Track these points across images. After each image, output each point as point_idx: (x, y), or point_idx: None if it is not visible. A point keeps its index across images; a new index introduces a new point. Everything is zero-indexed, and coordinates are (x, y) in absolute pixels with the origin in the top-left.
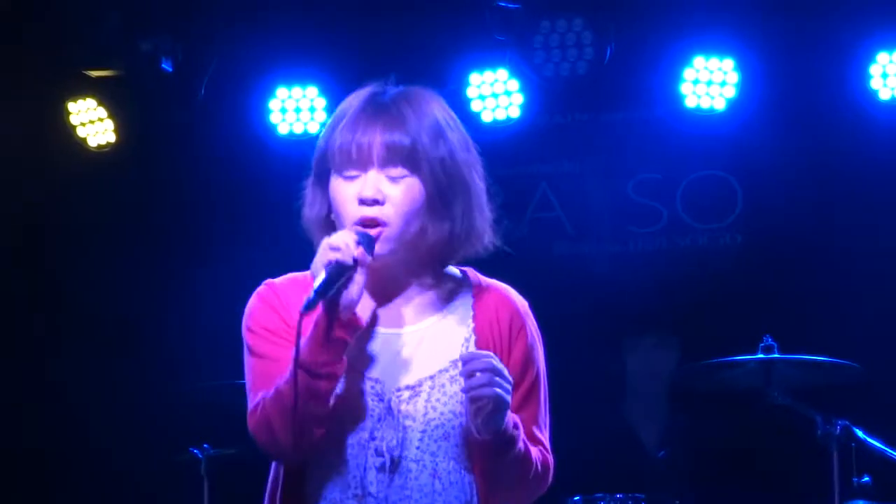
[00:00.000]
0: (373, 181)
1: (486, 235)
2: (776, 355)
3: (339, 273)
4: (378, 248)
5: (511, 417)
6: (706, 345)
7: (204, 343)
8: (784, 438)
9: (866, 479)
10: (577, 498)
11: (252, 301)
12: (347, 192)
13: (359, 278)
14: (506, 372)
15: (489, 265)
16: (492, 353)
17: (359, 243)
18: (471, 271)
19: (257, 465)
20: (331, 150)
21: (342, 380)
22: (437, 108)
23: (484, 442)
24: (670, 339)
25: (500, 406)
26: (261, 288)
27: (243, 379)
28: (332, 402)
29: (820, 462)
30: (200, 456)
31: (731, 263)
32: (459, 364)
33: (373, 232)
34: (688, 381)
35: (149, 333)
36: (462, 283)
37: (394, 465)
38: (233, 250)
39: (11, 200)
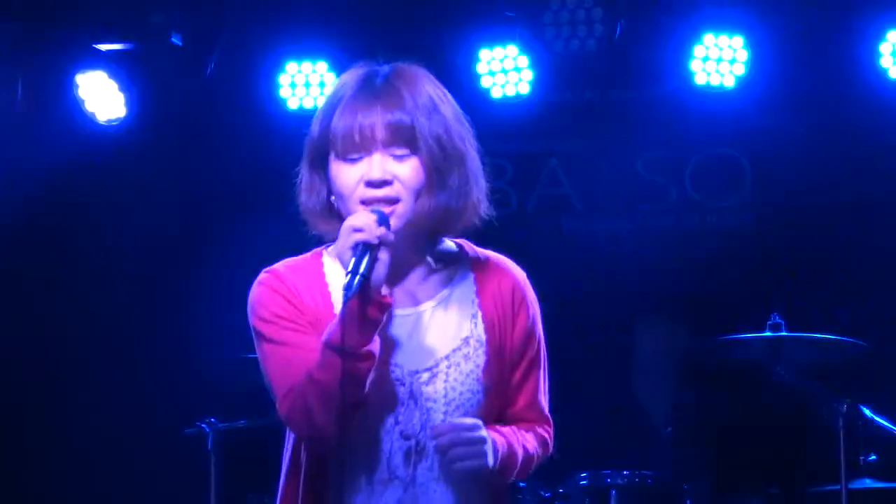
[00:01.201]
0: (379, 162)
1: (482, 205)
2: (784, 333)
3: (366, 253)
4: (394, 225)
5: (500, 449)
6: (714, 322)
7: (212, 318)
8: (791, 416)
9: (873, 457)
10: (584, 474)
11: (257, 290)
12: (352, 174)
13: (383, 257)
14: (478, 431)
15: (497, 241)
16: (462, 424)
17: (379, 223)
18: (466, 244)
19: (264, 440)
20: (332, 134)
21: None
22: (429, 84)
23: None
24: (679, 317)
25: (480, 467)
26: (263, 276)
27: (251, 353)
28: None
29: (826, 440)
30: (208, 430)
31: (740, 241)
32: (472, 343)
33: (386, 210)
34: (696, 359)
35: (157, 308)
36: (460, 257)
37: (419, 448)
38: (242, 225)
39: (21, 174)
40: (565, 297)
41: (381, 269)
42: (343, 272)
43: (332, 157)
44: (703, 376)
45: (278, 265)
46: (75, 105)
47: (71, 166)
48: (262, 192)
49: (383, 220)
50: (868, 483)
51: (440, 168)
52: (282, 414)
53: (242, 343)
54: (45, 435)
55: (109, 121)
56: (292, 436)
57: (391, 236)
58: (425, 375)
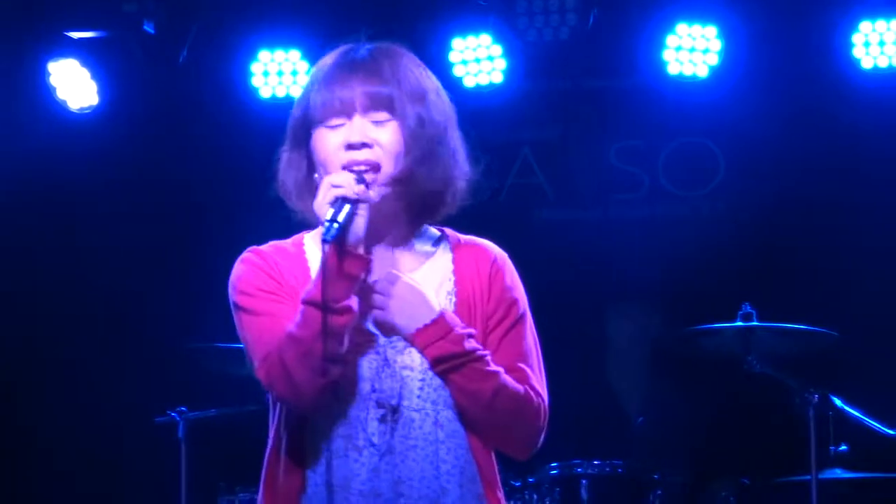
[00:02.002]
0: (359, 126)
1: (461, 184)
2: (755, 323)
3: (343, 206)
4: (375, 191)
5: (454, 325)
6: (686, 312)
7: (184, 306)
8: (762, 406)
9: (843, 447)
10: (554, 464)
11: (239, 267)
12: (333, 140)
13: (362, 213)
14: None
15: (470, 230)
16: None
17: (358, 181)
18: (448, 230)
19: (234, 428)
20: (313, 105)
21: None
22: (410, 62)
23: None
24: (652, 306)
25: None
26: (245, 254)
27: (222, 342)
28: (348, 339)
29: (797, 430)
30: (178, 419)
31: (712, 230)
32: (448, 313)
33: (370, 176)
34: (667, 348)
35: (128, 296)
36: (441, 239)
37: (395, 416)
38: (214, 214)
39: None
40: (538, 286)
41: (360, 225)
42: (315, 247)
43: (314, 129)
44: (675, 366)
45: (261, 246)
46: (47, 93)
47: (43, 154)
48: (236, 180)
49: (362, 181)
50: (839, 473)
51: (419, 137)
52: (261, 378)
53: (215, 331)
54: (15, 424)
55: (82, 109)
56: (275, 413)
57: (370, 194)
58: (400, 345)
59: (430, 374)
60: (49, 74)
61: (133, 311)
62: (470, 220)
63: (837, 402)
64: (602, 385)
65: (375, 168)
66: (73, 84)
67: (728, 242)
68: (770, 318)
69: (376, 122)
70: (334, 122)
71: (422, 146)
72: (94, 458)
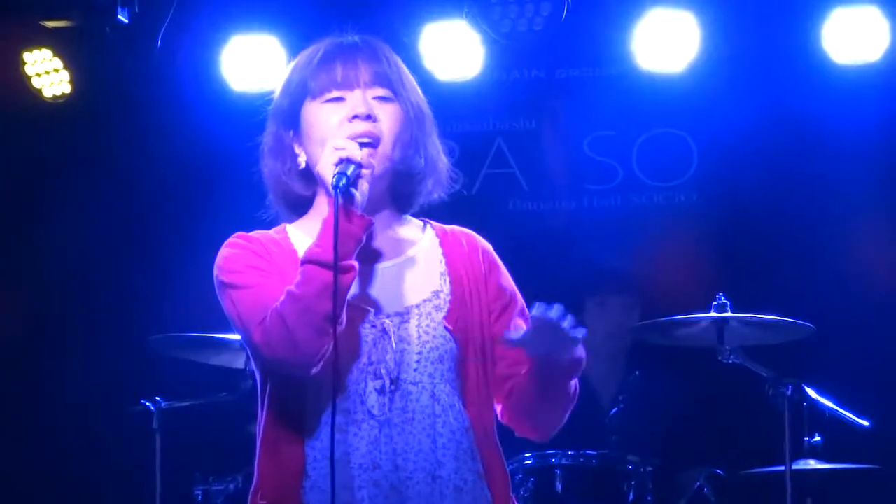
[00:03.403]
0: (362, 98)
1: (445, 179)
2: (729, 314)
3: (349, 165)
4: (374, 165)
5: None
6: (660, 302)
7: (158, 295)
8: (736, 397)
9: (817, 438)
10: (529, 454)
11: (225, 250)
12: (333, 113)
13: (364, 182)
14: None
15: (444, 219)
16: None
17: (361, 147)
18: (430, 221)
19: (209, 418)
20: (308, 82)
21: None
22: (397, 57)
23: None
24: (627, 297)
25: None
26: (231, 239)
27: (196, 332)
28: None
29: (771, 421)
30: (153, 408)
31: (686, 222)
32: (443, 296)
33: (368, 150)
34: (641, 339)
35: (102, 286)
36: (424, 228)
37: (393, 387)
38: (188, 203)
39: None
40: (512, 277)
41: (363, 189)
42: (302, 234)
43: (306, 106)
44: (649, 356)
45: (248, 233)
46: (22, 82)
47: (17, 143)
48: (210, 170)
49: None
50: (812, 464)
51: (412, 123)
52: (258, 342)
53: (189, 321)
54: None
55: (56, 98)
56: (266, 391)
57: (373, 162)
58: (397, 319)
59: (427, 347)
60: (23, 63)
61: (105, 300)
62: (444, 210)
63: (811, 392)
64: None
65: (375, 143)
66: (47, 73)
67: (702, 233)
68: (744, 309)
69: (379, 98)
70: (334, 94)
71: (414, 133)
72: (69, 449)
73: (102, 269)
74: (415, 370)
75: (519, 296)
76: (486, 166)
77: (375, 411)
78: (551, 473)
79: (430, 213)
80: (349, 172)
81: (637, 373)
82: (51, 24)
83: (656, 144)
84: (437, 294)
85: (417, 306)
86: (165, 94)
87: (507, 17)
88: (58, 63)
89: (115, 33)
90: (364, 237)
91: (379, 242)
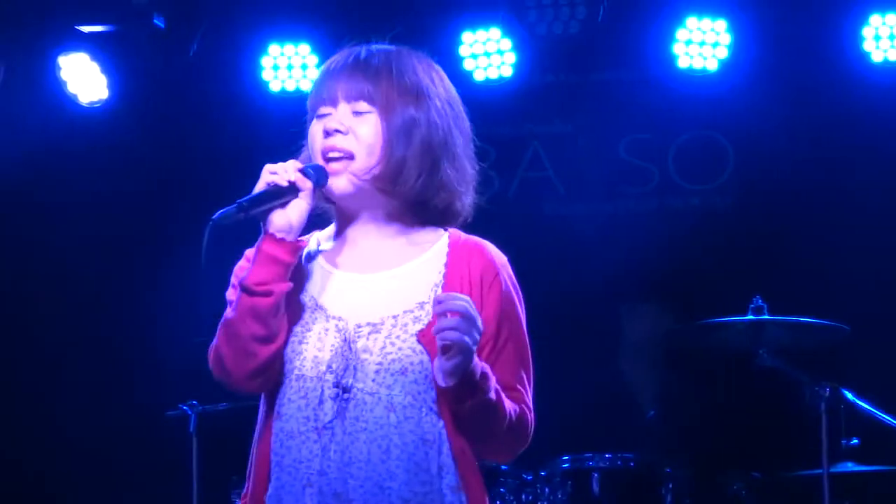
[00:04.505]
0: (339, 114)
1: (466, 196)
2: (766, 317)
3: (274, 195)
4: (343, 182)
5: (480, 366)
6: (696, 305)
7: (195, 299)
8: (773, 400)
9: (854, 441)
10: (566, 457)
11: (237, 264)
12: (317, 128)
13: (300, 204)
14: (478, 320)
15: (479, 224)
16: (467, 298)
17: (303, 171)
18: (453, 230)
19: (246, 422)
20: (309, 100)
21: (306, 317)
22: (419, 65)
23: (449, 389)
24: (663, 301)
25: (463, 352)
26: (248, 251)
27: None
28: (275, 322)
29: (808, 424)
30: (190, 412)
31: (722, 224)
32: (427, 308)
33: (338, 166)
34: (678, 342)
35: (140, 290)
36: (440, 237)
37: (348, 395)
38: (225, 205)
39: (2, 155)
40: (547, 280)
41: (293, 214)
42: (316, 241)
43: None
44: (686, 359)
45: None
46: (58, 87)
47: (53, 148)
48: (245, 174)
49: (316, 173)
50: (850, 467)
51: (407, 136)
52: (209, 363)
53: None
54: (26, 419)
55: (92, 102)
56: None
57: (308, 184)
58: (366, 330)
59: (388, 359)
60: (59, 68)
61: (145, 303)
62: (480, 214)
63: (848, 395)
64: (613, 379)
65: (349, 157)
66: (84, 78)
67: (738, 236)
68: (781, 312)
69: (356, 113)
70: (322, 110)
71: (410, 145)
72: (106, 452)
73: (141, 273)
74: (373, 381)
75: (518, 314)
76: (523, 169)
77: (328, 419)
78: (589, 476)
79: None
80: (260, 208)
81: (674, 376)
82: (87, 29)
83: (692, 147)
84: (420, 305)
85: (394, 317)
86: (201, 100)
87: (543, 21)
88: (94, 68)
89: (152, 38)
90: (294, 260)
91: (375, 252)
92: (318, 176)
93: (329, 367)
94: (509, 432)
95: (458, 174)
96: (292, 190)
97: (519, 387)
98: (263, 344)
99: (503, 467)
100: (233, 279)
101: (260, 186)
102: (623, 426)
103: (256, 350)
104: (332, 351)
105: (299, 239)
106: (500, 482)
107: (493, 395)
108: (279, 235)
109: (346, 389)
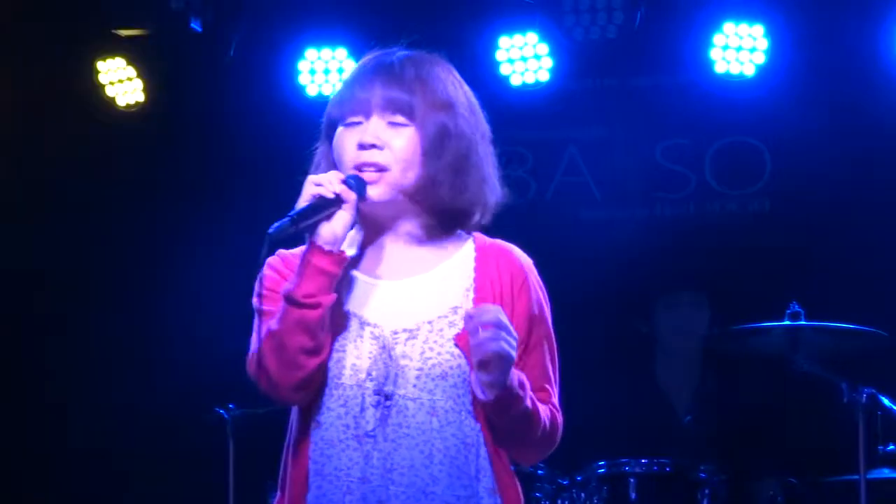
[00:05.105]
0: (373, 127)
1: (491, 201)
2: (803, 322)
3: (320, 207)
4: (378, 192)
5: (517, 375)
6: (733, 311)
7: (229, 302)
8: (810, 405)
9: (892, 447)
10: (602, 462)
11: (263, 270)
12: (349, 139)
13: (345, 216)
14: (511, 327)
15: (515, 228)
16: (498, 307)
17: (346, 182)
18: (476, 233)
19: (282, 426)
20: (335, 105)
21: (341, 325)
22: (442, 72)
23: (488, 401)
24: (700, 305)
25: (504, 362)
26: (271, 258)
27: None
28: (322, 334)
29: (846, 430)
30: (226, 416)
31: (758, 229)
32: (461, 312)
33: (374, 177)
34: (715, 347)
35: (175, 292)
36: (465, 242)
37: (389, 402)
38: (259, 211)
39: (40, 159)
40: (584, 285)
41: (338, 226)
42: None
43: (336, 128)
44: (722, 365)
45: (291, 250)
46: (95, 91)
47: (90, 152)
48: (281, 178)
49: (357, 184)
50: (887, 473)
51: (441, 147)
52: (248, 372)
53: None
54: (65, 423)
55: (129, 106)
56: (292, 413)
57: (353, 196)
58: (403, 336)
59: (429, 364)
60: (97, 72)
61: (179, 306)
62: (516, 218)
63: (886, 401)
64: (648, 383)
65: (384, 169)
66: (121, 81)
67: (775, 240)
68: (818, 317)
69: (392, 125)
70: (351, 119)
71: (443, 156)
72: (144, 455)
73: (177, 277)
74: (413, 386)
75: (546, 317)
76: (559, 174)
77: (370, 426)
78: (625, 481)
79: (503, 220)
80: (300, 213)
81: (710, 381)
82: (124, 33)
83: (729, 152)
84: (454, 310)
85: (430, 322)
86: (237, 104)
87: (580, 26)
88: (131, 72)
89: (189, 42)
90: (339, 271)
91: (405, 259)
92: (359, 187)
93: (368, 374)
94: (543, 439)
95: (484, 179)
96: (337, 201)
97: (548, 387)
98: (310, 356)
99: (539, 472)
100: (260, 289)
101: (305, 198)
102: (659, 431)
103: (304, 362)
104: (370, 358)
105: (342, 250)
106: (535, 487)
107: (529, 403)
108: (327, 248)
109: (388, 396)
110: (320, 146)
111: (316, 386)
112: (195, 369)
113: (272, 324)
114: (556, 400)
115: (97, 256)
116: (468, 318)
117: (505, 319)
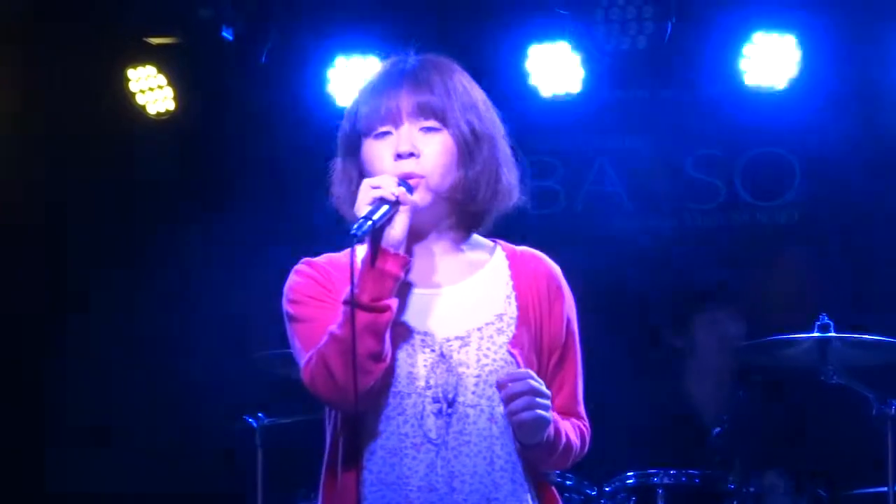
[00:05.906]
0: (407, 135)
1: (514, 194)
2: (832, 334)
3: (381, 207)
4: (421, 197)
5: (553, 425)
6: (762, 322)
7: (259, 312)
8: (839, 417)
9: None
10: (630, 473)
11: (291, 277)
12: (381, 150)
13: (403, 218)
14: (544, 388)
15: (547, 237)
16: (528, 371)
17: (399, 184)
18: (500, 241)
19: (311, 435)
20: (360, 118)
21: (391, 333)
22: (459, 74)
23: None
24: (730, 316)
25: (541, 425)
26: (298, 265)
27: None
28: (387, 338)
29: (874, 442)
30: (255, 425)
31: (789, 241)
32: (506, 319)
33: (415, 182)
34: (744, 358)
35: (205, 301)
36: (494, 249)
37: (451, 410)
38: (289, 220)
39: (71, 167)
40: (614, 294)
41: (398, 228)
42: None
43: (363, 140)
44: (751, 376)
45: (315, 258)
46: (126, 98)
47: (121, 159)
48: (313, 186)
49: (406, 186)
50: None
51: (470, 147)
52: (305, 381)
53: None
54: (92, 430)
55: (159, 114)
56: (331, 417)
57: (410, 198)
58: (456, 343)
59: (486, 370)
60: (127, 80)
61: (208, 315)
62: (547, 227)
63: None
64: (677, 395)
65: (422, 178)
66: (151, 90)
67: (805, 252)
68: (847, 329)
69: (425, 130)
70: (380, 129)
71: (477, 158)
72: (172, 464)
73: (207, 285)
74: (473, 393)
75: (575, 335)
76: (589, 184)
77: (433, 434)
78: (653, 492)
79: (533, 228)
80: (375, 217)
81: (740, 393)
82: (155, 41)
83: (759, 163)
84: (500, 317)
85: (479, 329)
86: (267, 113)
87: (611, 37)
88: (162, 80)
89: (219, 51)
90: (402, 274)
91: (443, 266)
92: (410, 192)
93: (427, 382)
94: (574, 459)
95: (508, 171)
96: (395, 204)
97: (579, 399)
98: (378, 361)
99: (567, 482)
100: (294, 295)
101: (365, 200)
102: (688, 443)
103: (372, 367)
104: (425, 366)
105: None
106: (564, 497)
107: (563, 440)
108: (392, 251)
109: (450, 404)
110: (340, 162)
111: (375, 393)
112: (225, 378)
113: (334, 329)
114: (583, 412)
115: (127, 263)
116: (499, 386)
117: (536, 382)
